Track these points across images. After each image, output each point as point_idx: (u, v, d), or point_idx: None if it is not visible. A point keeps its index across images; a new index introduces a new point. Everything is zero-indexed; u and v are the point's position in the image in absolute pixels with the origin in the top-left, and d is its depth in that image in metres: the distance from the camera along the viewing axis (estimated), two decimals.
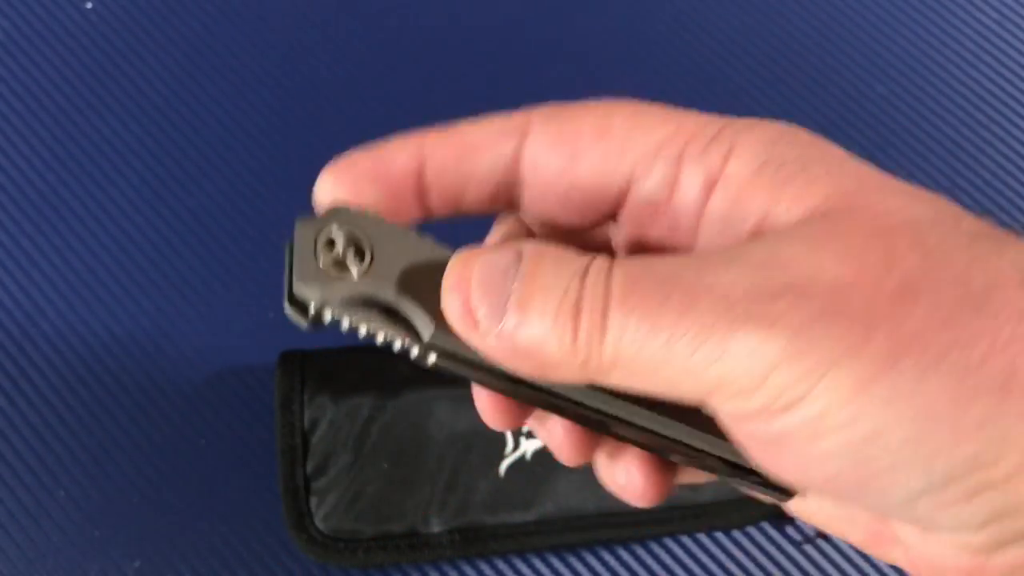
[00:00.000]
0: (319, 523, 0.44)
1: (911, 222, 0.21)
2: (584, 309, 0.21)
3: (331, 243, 0.24)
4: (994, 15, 0.57)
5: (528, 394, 0.24)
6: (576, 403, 0.24)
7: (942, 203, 0.22)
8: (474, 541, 0.44)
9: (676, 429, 0.25)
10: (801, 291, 0.20)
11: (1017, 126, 0.54)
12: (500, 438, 0.45)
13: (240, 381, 0.48)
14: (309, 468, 0.45)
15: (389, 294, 0.23)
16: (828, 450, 0.20)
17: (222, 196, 0.52)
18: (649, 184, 0.24)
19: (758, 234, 0.23)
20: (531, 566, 0.45)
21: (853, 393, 0.20)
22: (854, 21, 0.57)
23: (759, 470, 0.23)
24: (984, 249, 0.21)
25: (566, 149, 0.25)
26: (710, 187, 0.24)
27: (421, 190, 0.26)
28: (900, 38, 0.56)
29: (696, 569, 0.45)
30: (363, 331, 0.24)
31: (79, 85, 0.55)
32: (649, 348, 0.21)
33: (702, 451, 0.25)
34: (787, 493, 0.25)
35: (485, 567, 0.45)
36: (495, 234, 0.28)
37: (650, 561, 0.45)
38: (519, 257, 0.22)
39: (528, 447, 0.45)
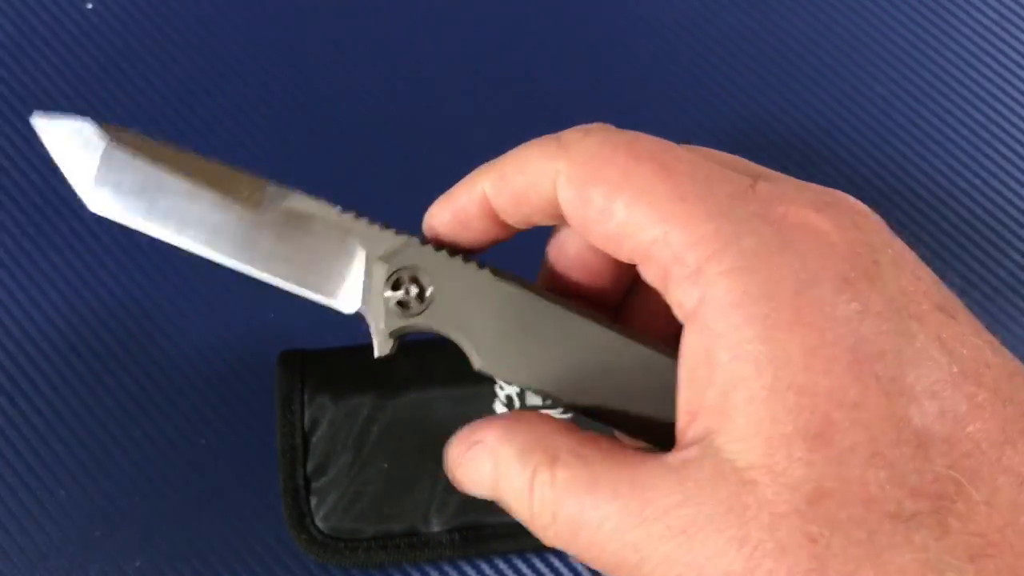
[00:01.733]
0: (319, 523, 0.44)
1: (814, 504, 0.22)
2: (535, 505, 0.26)
3: (398, 283, 0.29)
4: (993, 15, 0.57)
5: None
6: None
7: (853, 461, 0.22)
8: (474, 541, 0.44)
9: None
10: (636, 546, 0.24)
11: (1016, 126, 0.54)
12: None
13: (240, 381, 0.48)
14: (309, 468, 0.45)
15: (446, 330, 0.29)
16: None
17: None
18: (647, 272, 0.26)
19: (710, 413, 0.24)
20: (531, 566, 0.45)
21: None
22: (854, 21, 0.57)
23: None
24: (886, 540, 0.21)
25: (580, 223, 0.27)
26: (686, 321, 0.25)
27: (494, 215, 0.30)
28: (899, 38, 0.56)
29: None
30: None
31: (79, 85, 0.55)
32: (584, 538, 0.25)
33: None
34: None
35: (485, 567, 0.45)
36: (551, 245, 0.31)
37: None
38: (489, 455, 0.28)
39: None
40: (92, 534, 0.45)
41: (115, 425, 0.47)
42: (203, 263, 0.51)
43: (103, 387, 0.48)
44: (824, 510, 0.21)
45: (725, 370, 0.23)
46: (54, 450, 0.47)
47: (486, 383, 0.45)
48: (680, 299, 0.25)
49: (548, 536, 0.26)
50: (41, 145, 0.53)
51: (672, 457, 0.24)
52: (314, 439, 0.45)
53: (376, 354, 0.30)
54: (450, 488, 0.45)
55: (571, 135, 0.28)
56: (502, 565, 0.45)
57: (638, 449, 0.26)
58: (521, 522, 0.27)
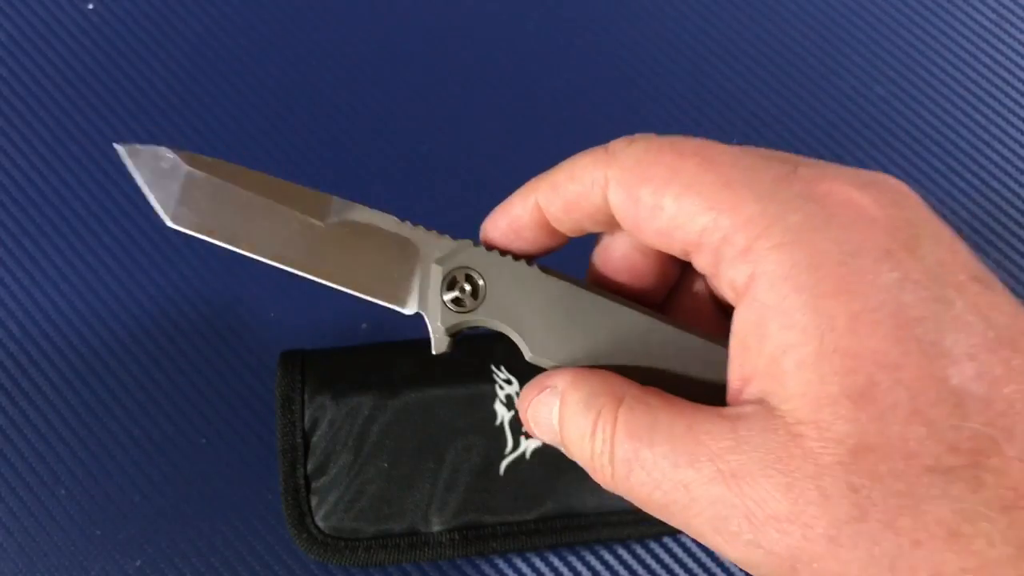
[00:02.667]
0: (320, 522, 0.44)
1: (857, 456, 0.23)
2: (594, 455, 0.28)
3: (453, 283, 0.31)
4: (992, 16, 0.57)
5: None
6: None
7: (894, 418, 0.23)
8: (474, 540, 0.44)
9: None
10: (749, 519, 0.24)
11: (1015, 126, 0.55)
12: (500, 437, 0.45)
13: (241, 381, 0.48)
14: (310, 467, 0.45)
15: (497, 323, 0.31)
16: None
17: None
18: (699, 261, 0.28)
19: (764, 377, 0.25)
20: (531, 565, 0.45)
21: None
22: (853, 22, 0.57)
23: None
24: (924, 492, 0.22)
25: (631, 220, 0.28)
26: (737, 298, 0.26)
27: (547, 224, 0.31)
28: (899, 39, 0.57)
29: (695, 568, 0.45)
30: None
31: (80, 85, 0.55)
32: (646, 488, 0.26)
33: None
34: None
35: (485, 566, 0.45)
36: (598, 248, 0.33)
37: (649, 560, 0.45)
38: (555, 395, 0.29)
39: (528, 446, 0.45)
40: (92, 534, 0.45)
41: (115, 425, 0.47)
42: (203, 263, 0.51)
43: (103, 387, 0.48)
44: (866, 463, 0.23)
45: (775, 338, 0.24)
46: (54, 449, 0.47)
47: (486, 383, 0.45)
48: (732, 277, 0.26)
49: (605, 477, 0.27)
50: (43, 145, 0.53)
51: (727, 410, 0.26)
52: (314, 439, 0.45)
53: (434, 351, 0.31)
54: (450, 488, 0.45)
55: (617, 144, 0.29)
56: (502, 565, 0.45)
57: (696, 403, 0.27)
58: (581, 464, 0.28)
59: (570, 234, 0.32)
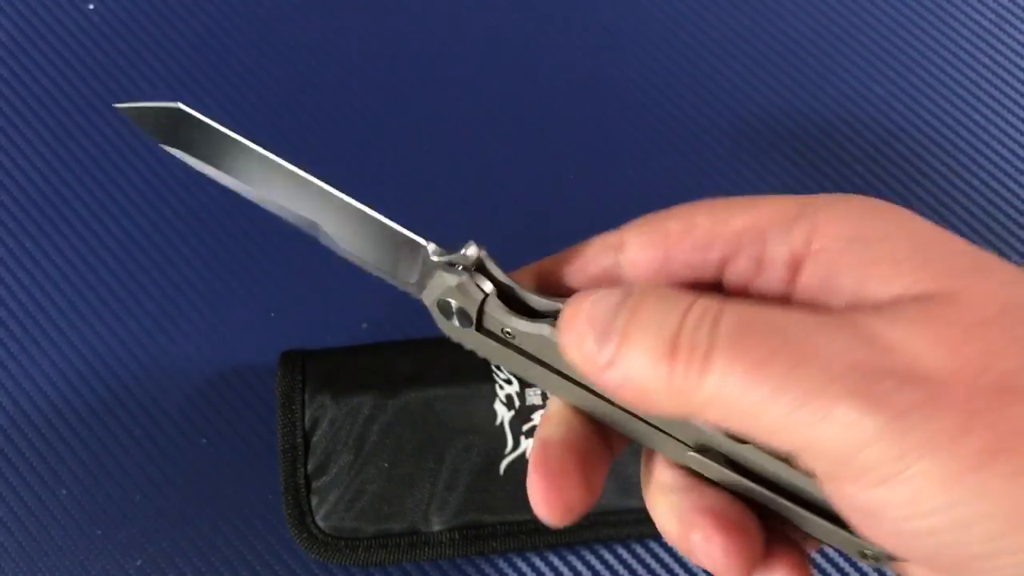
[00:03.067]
0: (320, 522, 0.44)
1: (1009, 312, 0.22)
2: (684, 347, 0.23)
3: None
4: (992, 16, 0.57)
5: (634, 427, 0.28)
6: (678, 440, 0.27)
7: None
8: (474, 540, 0.44)
9: (776, 465, 0.26)
10: (903, 377, 0.21)
11: (1015, 127, 0.55)
12: (500, 437, 0.45)
13: (241, 381, 0.48)
14: (310, 467, 0.45)
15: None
16: (922, 529, 0.21)
17: (222, 196, 0.52)
18: (737, 267, 0.26)
19: (855, 309, 0.23)
20: (531, 565, 0.45)
21: (947, 482, 0.20)
22: (853, 22, 0.57)
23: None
24: None
25: (659, 251, 0.27)
26: (796, 264, 0.25)
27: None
28: (899, 40, 0.57)
29: (696, 568, 0.45)
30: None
31: (80, 85, 0.55)
32: (750, 396, 0.22)
33: (808, 503, 0.26)
34: (889, 558, 0.26)
35: (485, 566, 0.45)
36: None
37: (649, 560, 0.45)
38: (628, 294, 0.24)
39: (528, 446, 0.45)
40: (93, 533, 0.45)
41: (115, 425, 0.47)
42: (203, 264, 0.51)
43: (104, 387, 0.48)
44: (1021, 316, 0.22)
45: (865, 255, 0.24)
46: (55, 450, 0.47)
47: (486, 383, 0.45)
48: (791, 241, 0.25)
49: (692, 367, 0.23)
50: (43, 144, 0.53)
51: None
52: (315, 438, 0.45)
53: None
54: (450, 487, 0.45)
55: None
56: (502, 564, 0.45)
57: None
58: (636, 374, 0.24)
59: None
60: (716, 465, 0.27)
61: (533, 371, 0.28)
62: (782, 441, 0.22)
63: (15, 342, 0.49)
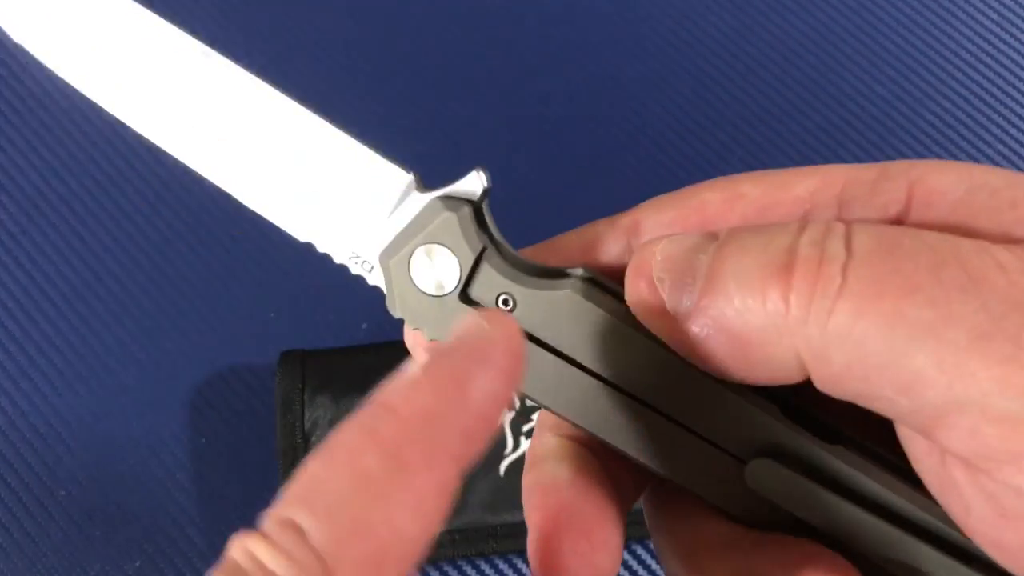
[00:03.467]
0: None
1: None
2: (806, 261, 0.17)
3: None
4: (994, 16, 0.57)
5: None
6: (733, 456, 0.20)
7: None
8: (474, 541, 0.44)
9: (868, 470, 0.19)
10: None
11: (1016, 126, 0.54)
12: (500, 438, 0.45)
13: (241, 381, 0.48)
14: None
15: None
16: None
17: (222, 196, 0.52)
18: None
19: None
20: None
21: None
22: (854, 22, 0.57)
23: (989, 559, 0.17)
24: None
25: (692, 227, 0.21)
26: (897, 223, 0.19)
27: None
28: (900, 39, 0.56)
29: None
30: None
31: None
32: (899, 330, 0.16)
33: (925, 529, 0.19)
34: None
35: (485, 567, 0.45)
36: None
37: (649, 560, 0.45)
38: (714, 236, 0.19)
39: (528, 447, 0.45)
40: (92, 534, 0.45)
41: (115, 425, 0.47)
42: (203, 264, 0.51)
43: (103, 387, 0.48)
44: None
45: (995, 199, 0.18)
46: (54, 450, 0.47)
47: None
48: (881, 203, 0.20)
49: (820, 313, 0.17)
50: (42, 145, 0.53)
51: None
52: (314, 439, 0.45)
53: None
54: None
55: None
56: (502, 565, 0.45)
57: None
58: (741, 314, 0.18)
59: None
60: (794, 475, 0.19)
61: (528, 364, 0.20)
62: (932, 397, 0.16)
63: (14, 342, 0.49)
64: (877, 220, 0.19)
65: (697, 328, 0.18)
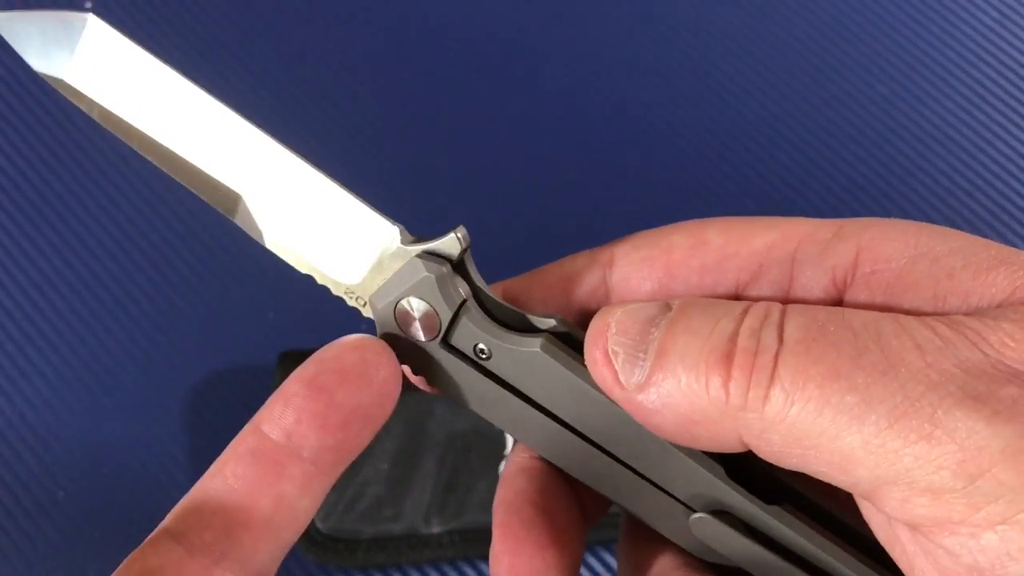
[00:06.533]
0: (319, 523, 0.44)
1: None
2: (743, 352, 0.18)
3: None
4: (994, 15, 0.57)
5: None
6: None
7: None
8: (474, 541, 0.44)
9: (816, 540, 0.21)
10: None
11: (1017, 126, 0.54)
12: (500, 438, 0.45)
13: (239, 381, 0.48)
14: None
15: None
16: None
17: None
18: (760, 290, 0.22)
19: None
20: None
21: None
22: (854, 21, 0.57)
23: None
24: None
25: (657, 268, 0.23)
26: (839, 292, 0.21)
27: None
28: (901, 38, 0.56)
29: None
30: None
31: None
32: (827, 413, 0.17)
33: None
34: None
35: (485, 567, 0.45)
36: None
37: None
38: (667, 307, 0.20)
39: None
40: (91, 536, 0.45)
41: (115, 425, 0.47)
42: (203, 264, 0.51)
43: (103, 387, 0.48)
44: None
45: (935, 269, 0.20)
46: (53, 450, 0.47)
47: None
48: (830, 265, 0.21)
49: (757, 392, 0.18)
50: (42, 145, 0.53)
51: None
52: None
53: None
54: (449, 489, 0.45)
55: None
56: None
57: None
58: (681, 398, 0.19)
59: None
60: (733, 532, 0.21)
61: (502, 406, 0.23)
62: (863, 473, 0.17)
63: (12, 342, 0.49)
64: (824, 282, 0.21)
65: (647, 402, 0.19)
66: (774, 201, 0.52)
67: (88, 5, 0.56)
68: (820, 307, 0.19)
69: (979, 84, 0.55)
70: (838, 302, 0.21)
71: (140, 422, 0.47)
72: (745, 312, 0.19)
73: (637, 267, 0.23)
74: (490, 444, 0.45)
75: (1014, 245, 0.51)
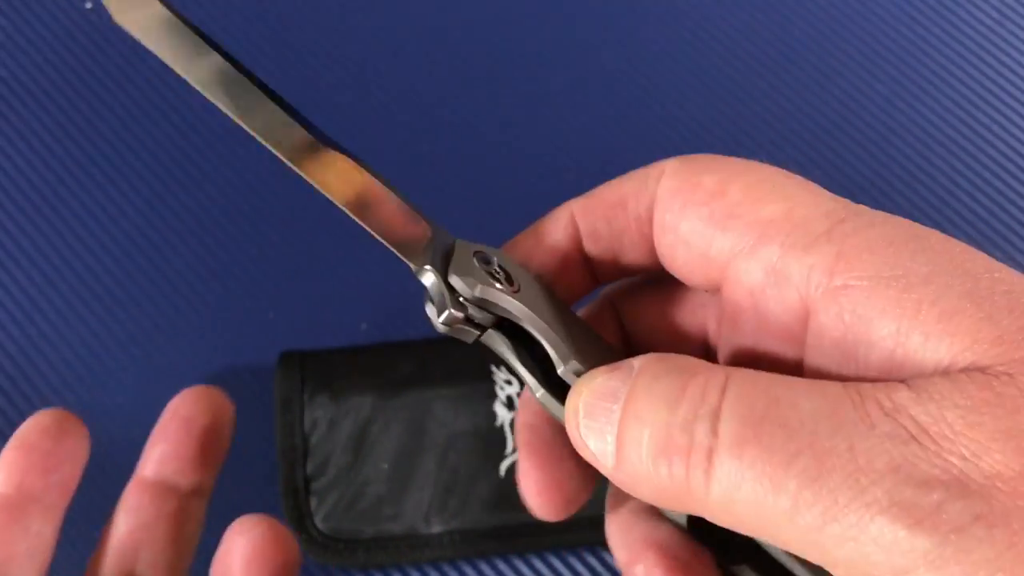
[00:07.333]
0: (319, 523, 0.44)
1: None
2: (678, 448, 0.19)
3: (487, 260, 0.25)
4: (994, 14, 0.57)
5: None
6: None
7: None
8: (474, 541, 0.44)
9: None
10: (957, 485, 0.17)
11: (1017, 126, 0.54)
12: (500, 438, 0.45)
13: (239, 381, 0.48)
14: (309, 468, 0.45)
15: (542, 318, 0.24)
16: None
17: (222, 196, 0.52)
18: (749, 265, 0.23)
19: (894, 369, 0.20)
20: (531, 566, 0.45)
21: None
22: (854, 21, 0.57)
23: None
24: None
25: (679, 200, 0.24)
26: (806, 294, 0.21)
27: (583, 261, 0.26)
28: (900, 38, 0.56)
29: None
30: (503, 349, 0.25)
31: (79, 85, 0.54)
32: (767, 509, 0.18)
33: None
34: None
35: (485, 567, 0.45)
36: (592, 302, 0.28)
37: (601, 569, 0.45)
38: (628, 377, 0.21)
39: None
40: (92, 536, 0.45)
41: (115, 425, 0.47)
42: (203, 264, 0.51)
43: (102, 387, 0.48)
44: None
45: (907, 299, 0.20)
46: None
47: (486, 383, 0.45)
48: (809, 263, 0.21)
49: (696, 473, 0.20)
50: (42, 145, 0.53)
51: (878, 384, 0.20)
52: (314, 440, 0.45)
53: (440, 321, 0.24)
54: (450, 489, 0.45)
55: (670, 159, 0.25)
56: (502, 565, 0.45)
57: None
58: (638, 475, 0.21)
59: (604, 277, 0.27)
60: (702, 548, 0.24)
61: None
62: (807, 555, 0.19)
63: (12, 342, 0.49)
64: (799, 281, 0.21)
65: (623, 479, 0.21)
66: None
67: (88, 5, 0.56)
68: (761, 386, 0.19)
69: (979, 84, 0.55)
70: (807, 310, 0.21)
71: (140, 422, 0.47)
72: (683, 394, 0.20)
73: (668, 195, 0.24)
74: (490, 444, 0.45)
75: (1013, 245, 0.51)
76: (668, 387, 0.20)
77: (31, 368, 0.48)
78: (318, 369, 0.46)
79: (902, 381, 0.19)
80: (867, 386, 0.19)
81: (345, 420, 0.45)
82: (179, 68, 0.25)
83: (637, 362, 0.21)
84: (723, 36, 0.56)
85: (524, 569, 0.45)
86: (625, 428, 0.21)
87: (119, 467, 0.46)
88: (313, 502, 0.44)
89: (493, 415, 0.45)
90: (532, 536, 0.44)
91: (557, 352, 0.23)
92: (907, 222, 0.22)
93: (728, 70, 0.56)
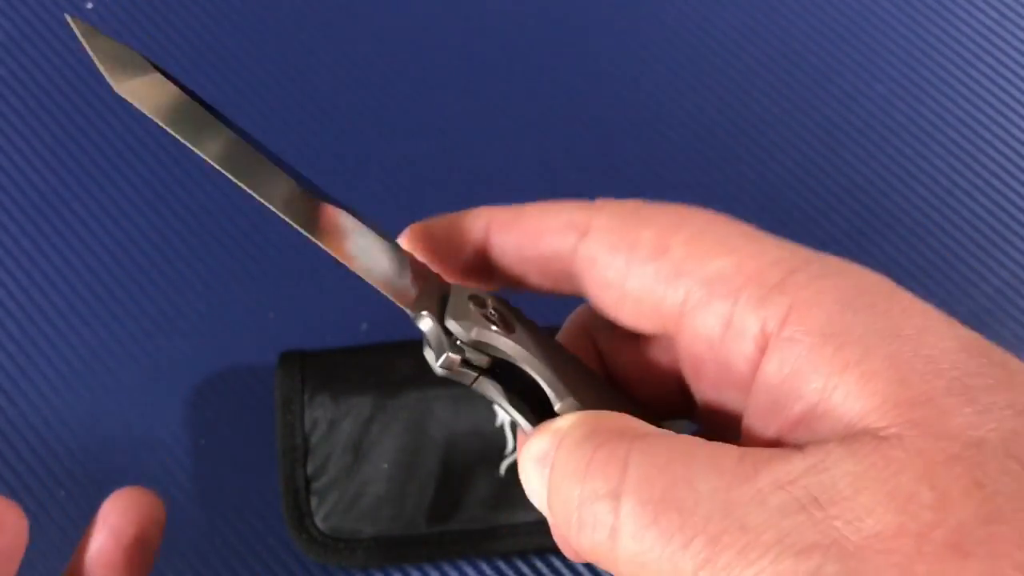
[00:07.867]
0: (319, 523, 0.44)
1: (973, 449, 0.19)
2: (584, 524, 0.21)
3: (482, 303, 0.25)
4: (994, 15, 0.57)
5: None
6: None
7: (1000, 413, 0.20)
8: (474, 541, 0.44)
9: None
10: (837, 548, 0.18)
11: (1017, 126, 0.54)
12: (500, 438, 0.45)
13: (240, 381, 0.48)
14: (309, 468, 0.45)
15: (537, 358, 0.24)
16: None
17: (222, 196, 0.52)
18: (704, 319, 0.23)
19: (813, 421, 0.21)
20: (531, 566, 0.45)
21: None
22: (854, 21, 0.57)
23: None
24: None
25: (620, 258, 0.24)
26: (763, 345, 0.22)
27: (487, 265, 0.27)
28: (900, 38, 0.56)
29: None
30: (494, 394, 0.25)
31: (79, 85, 0.55)
32: (676, 508, 0.20)
33: None
34: None
35: (485, 567, 0.45)
36: (566, 325, 0.29)
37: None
38: (555, 440, 0.23)
39: None
40: None
41: (115, 425, 0.47)
42: (203, 264, 0.51)
43: (102, 388, 0.48)
44: (986, 455, 0.19)
45: (836, 357, 0.21)
46: (54, 450, 0.47)
47: None
48: (763, 315, 0.22)
49: (598, 536, 0.21)
50: (42, 145, 0.53)
51: (780, 450, 0.21)
52: (314, 439, 0.45)
53: (438, 365, 0.25)
54: (450, 489, 0.45)
55: (606, 200, 0.26)
56: (502, 565, 0.45)
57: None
58: (562, 531, 0.23)
59: (502, 284, 0.28)
60: None
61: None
62: None
63: (13, 342, 0.49)
64: (754, 331, 0.22)
65: (564, 535, 0.22)
66: (774, 201, 0.52)
67: (89, 6, 0.56)
68: (660, 467, 0.20)
69: (979, 84, 0.55)
70: (762, 355, 0.22)
71: (141, 421, 0.47)
72: (586, 473, 0.21)
73: (604, 253, 0.25)
74: (490, 444, 0.45)
75: (1013, 244, 0.51)
76: (578, 459, 0.22)
77: (31, 367, 0.48)
78: (318, 369, 0.46)
79: (800, 448, 0.20)
80: (763, 459, 0.20)
81: (345, 420, 0.45)
82: (186, 139, 0.26)
83: (565, 423, 0.23)
84: (723, 36, 0.56)
85: (524, 569, 0.45)
86: (550, 494, 0.22)
87: (119, 468, 0.47)
88: (313, 502, 0.44)
89: (493, 415, 0.45)
90: (532, 535, 0.44)
91: (553, 390, 0.24)
92: (857, 271, 0.23)
93: (728, 70, 0.56)
